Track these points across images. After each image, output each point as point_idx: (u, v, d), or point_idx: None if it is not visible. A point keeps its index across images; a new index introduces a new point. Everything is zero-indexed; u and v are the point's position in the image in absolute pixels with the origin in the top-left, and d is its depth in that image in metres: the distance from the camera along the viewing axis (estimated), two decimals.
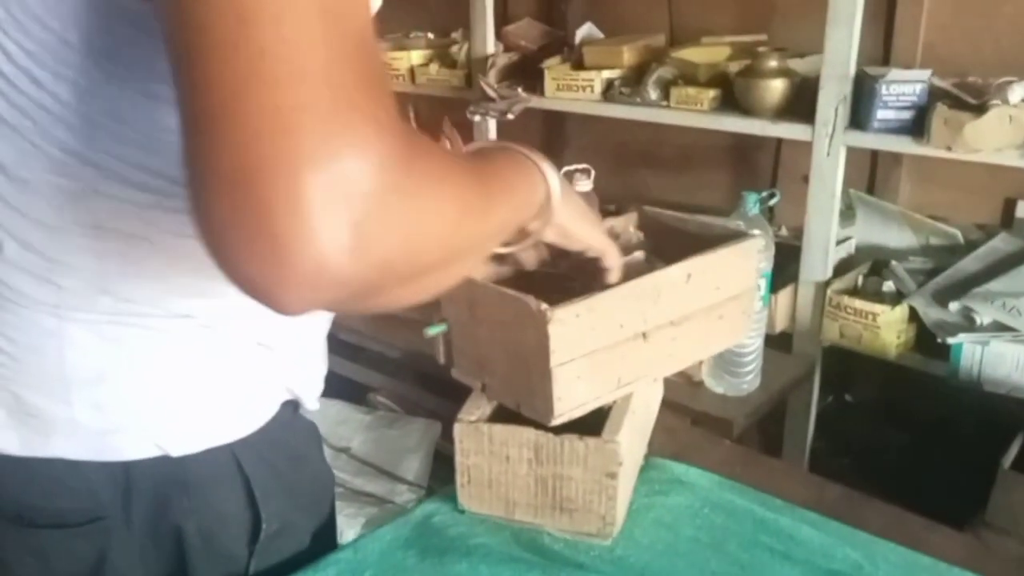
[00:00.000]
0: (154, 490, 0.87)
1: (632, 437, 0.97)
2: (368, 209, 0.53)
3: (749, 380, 1.82)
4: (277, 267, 0.52)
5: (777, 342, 1.93)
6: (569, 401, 0.91)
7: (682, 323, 0.98)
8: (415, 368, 2.56)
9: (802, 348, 1.95)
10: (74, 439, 0.84)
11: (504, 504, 0.99)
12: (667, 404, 1.18)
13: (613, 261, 0.93)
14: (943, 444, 1.98)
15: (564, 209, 0.86)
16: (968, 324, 1.67)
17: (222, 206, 0.52)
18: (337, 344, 1.01)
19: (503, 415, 0.98)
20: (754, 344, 1.79)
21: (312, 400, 0.98)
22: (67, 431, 0.84)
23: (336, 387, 2.12)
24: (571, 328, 0.88)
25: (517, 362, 0.92)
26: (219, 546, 0.92)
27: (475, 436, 0.97)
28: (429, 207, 0.59)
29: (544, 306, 0.86)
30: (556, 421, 0.92)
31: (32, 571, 0.91)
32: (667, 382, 1.12)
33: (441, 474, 0.92)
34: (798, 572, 0.91)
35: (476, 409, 0.98)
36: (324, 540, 1.02)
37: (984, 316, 1.66)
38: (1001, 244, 1.89)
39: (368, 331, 2.36)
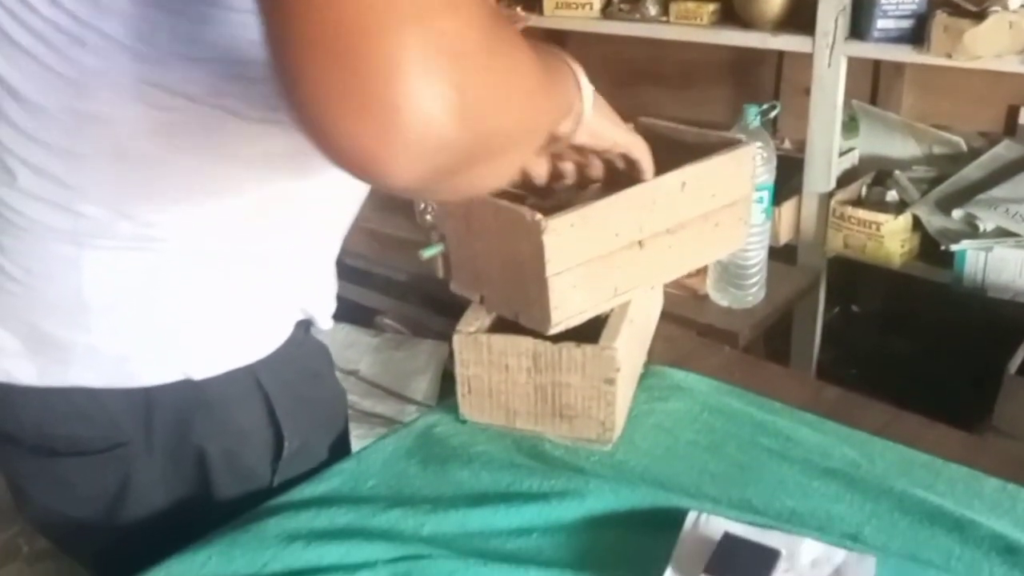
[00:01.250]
0: (175, 414, 0.88)
1: (630, 344, 0.97)
2: (468, 68, 0.51)
3: (754, 292, 1.81)
4: (385, 130, 0.49)
5: (781, 254, 1.92)
6: (566, 310, 0.91)
7: (678, 231, 0.97)
8: (421, 291, 2.57)
9: (806, 260, 1.94)
10: (93, 367, 0.84)
11: (504, 413, 0.99)
12: (672, 317, 1.18)
13: (642, 154, 0.92)
14: (949, 352, 1.98)
15: (595, 111, 0.84)
16: (971, 231, 1.66)
17: (321, 74, 0.49)
18: (344, 269, 1.02)
19: (502, 326, 0.98)
20: (758, 256, 1.78)
21: (325, 319, 0.99)
22: (86, 359, 0.84)
23: (344, 311, 2.13)
24: (566, 238, 0.87)
25: (514, 273, 0.92)
26: (242, 465, 0.93)
27: (474, 347, 0.97)
28: (516, 72, 0.58)
29: (538, 216, 0.85)
30: (554, 330, 0.91)
31: (55, 499, 0.93)
32: (671, 296, 1.11)
33: (449, 394, 0.94)
34: (796, 471, 0.92)
35: (475, 321, 0.98)
36: (339, 455, 1.03)
37: (987, 223, 1.64)
38: (1004, 151, 1.86)
39: (374, 256, 2.37)
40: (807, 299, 1.98)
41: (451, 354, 1.00)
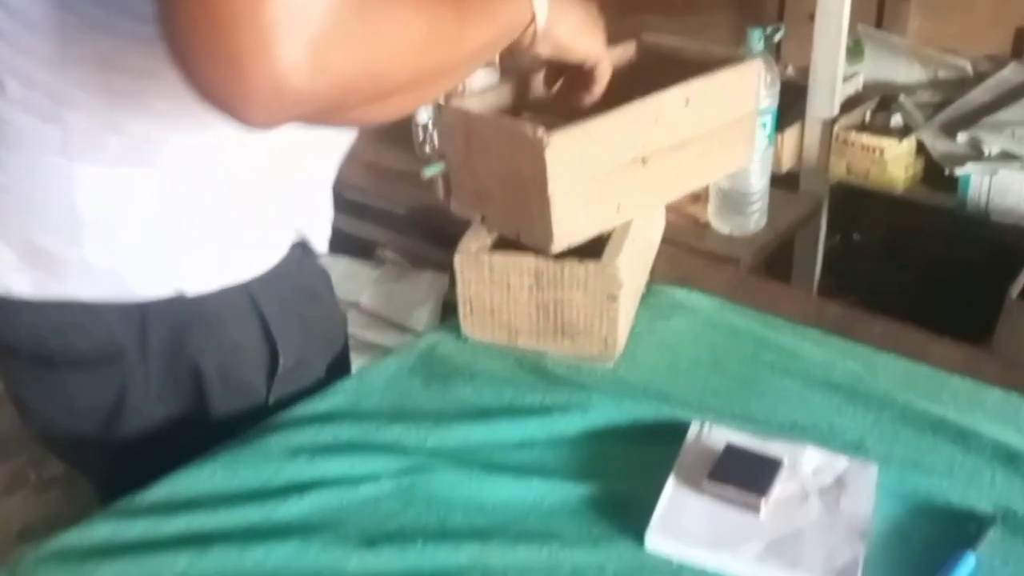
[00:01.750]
0: (170, 328, 0.88)
1: (632, 262, 0.97)
2: (325, 28, 0.54)
3: (755, 219, 1.80)
4: (236, 82, 0.54)
5: (783, 182, 1.90)
6: (568, 228, 0.91)
7: (682, 149, 0.96)
8: (421, 223, 2.56)
9: (809, 186, 1.93)
10: (87, 281, 0.84)
11: (506, 331, 1.00)
12: (673, 244, 1.17)
13: (603, 71, 0.92)
14: (950, 278, 1.97)
15: (560, 23, 0.83)
16: (976, 154, 1.64)
17: (185, 20, 0.54)
18: (343, 202, 1.01)
19: (503, 246, 0.97)
20: (760, 183, 1.76)
21: (321, 243, 0.98)
22: (80, 273, 0.84)
23: (343, 244, 2.12)
24: (568, 154, 0.86)
25: (515, 191, 0.91)
26: (237, 381, 0.94)
27: (476, 266, 0.97)
28: (393, 29, 0.60)
29: (541, 131, 0.84)
30: (556, 249, 0.91)
31: (55, 412, 0.93)
32: (672, 224, 1.11)
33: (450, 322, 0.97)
34: (798, 385, 0.92)
35: (476, 240, 0.98)
36: (338, 376, 1.04)
37: (992, 146, 1.63)
38: (1011, 74, 1.83)
39: (373, 188, 2.35)
40: (808, 227, 1.97)
41: (451, 284, 1.00)
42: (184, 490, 0.85)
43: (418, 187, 2.09)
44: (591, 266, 0.92)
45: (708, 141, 0.99)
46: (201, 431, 0.92)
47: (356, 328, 2.33)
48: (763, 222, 1.81)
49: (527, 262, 0.94)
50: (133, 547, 0.79)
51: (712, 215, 1.83)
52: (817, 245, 2.02)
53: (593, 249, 0.94)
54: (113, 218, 0.81)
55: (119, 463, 0.94)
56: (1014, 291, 1.64)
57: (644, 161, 0.93)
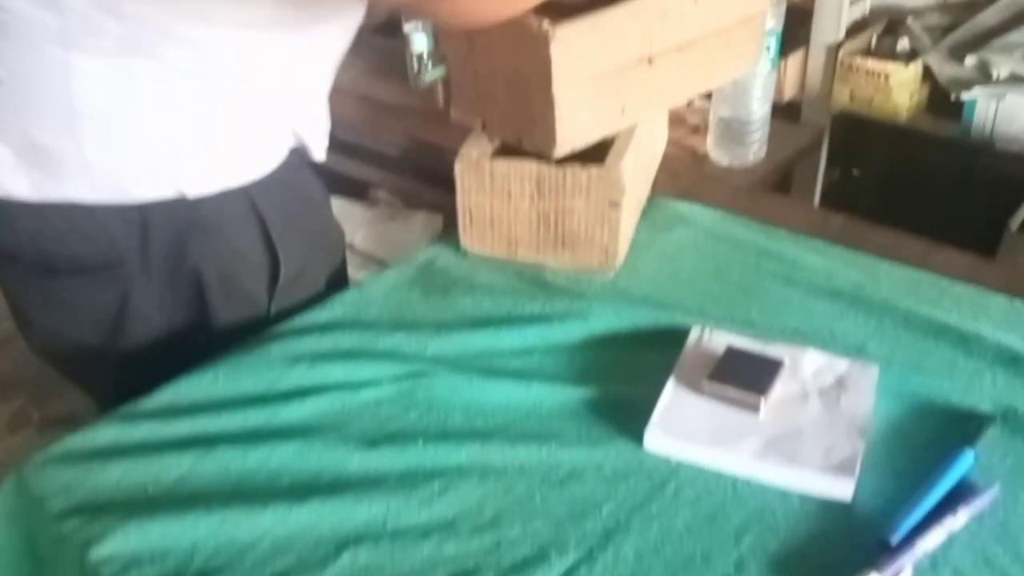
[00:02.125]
0: (171, 234, 0.88)
1: (635, 169, 0.97)
2: None
3: (755, 150, 1.79)
4: None
5: (785, 112, 1.89)
6: (571, 130, 0.90)
7: (689, 49, 0.95)
8: (415, 163, 2.55)
9: (810, 116, 1.91)
10: (87, 181, 0.84)
11: (506, 243, 1.00)
12: (672, 174, 1.17)
13: None
14: (950, 212, 1.97)
15: None
16: (984, 78, 1.63)
17: None
18: (335, 143, 1.01)
19: (505, 155, 0.97)
20: (762, 111, 1.75)
21: (319, 150, 0.98)
22: (79, 172, 0.83)
23: (336, 185, 2.11)
24: (574, 50, 0.85)
25: (518, 92, 0.90)
26: (238, 289, 0.94)
27: (476, 173, 0.96)
28: None
29: (546, 23, 0.83)
30: (559, 152, 0.91)
31: (57, 321, 0.93)
32: (671, 156, 1.11)
33: None
34: (800, 292, 0.93)
35: (476, 147, 0.97)
36: (338, 289, 1.04)
37: (1001, 68, 1.61)
38: None
39: (367, 122, 2.33)
40: (808, 160, 1.96)
41: (445, 226, 1.00)
42: (187, 395, 0.86)
43: (413, 121, 2.07)
44: (594, 171, 0.91)
45: (715, 42, 0.98)
46: (203, 342, 0.92)
47: (351, 269, 2.32)
48: (762, 153, 1.80)
49: (528, 168, 0.93)
50: (137, 449, 0.80)
51: (711, 146, 1.82)
52: (816, 179, 2.01)
53: (595, 158, 0.93)
54: (112, 112, 0.80)
55: (122, 375, 0.95)
56: (1014, 224, 1.64)
57: (650, 61, 0.92)
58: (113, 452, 0.80)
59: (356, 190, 2.67)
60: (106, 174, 0.83)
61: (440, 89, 2.00)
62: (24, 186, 0.84)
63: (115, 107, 0.80)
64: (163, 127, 0.83)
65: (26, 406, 2.18)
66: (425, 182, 2.53)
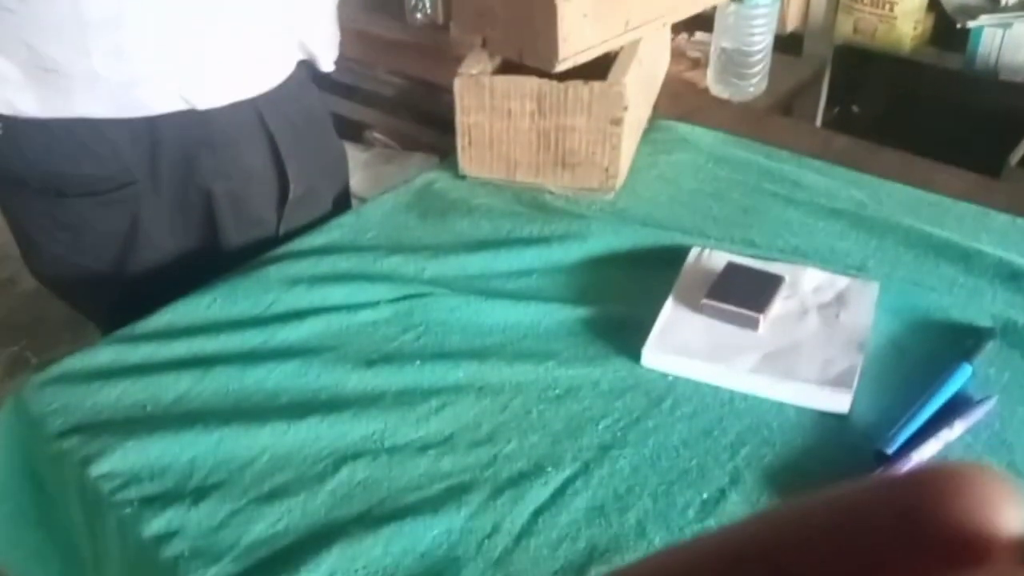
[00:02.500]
0: (181, 150, 0.87)
1: (638, 88, 0.96)
2: None
3: (755, 83, 1.77)
4: None
5: (786, 44, 1.87)
6: (574, 43, 0.89)
7: None
8: (411, 104, 2.53)
9: (812, 49, 1.89)
10: (95, 94, 0.83)
11: (505, 165, 0.99)
12: (674, 97, 1.16)
13: None
14: (951, 145, 1.96)
15: None
16: (991, 6, 1.61)
17: None
18: (331, 84, 1.00)
19: (505, 71, 0.96)
20: (763, 42, 1.73)
21: (327, 61, 0.98)
22: (87, 86, 0.82)
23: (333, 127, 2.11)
24: None
25: (519, 5, 0.89)
26: (248, 209, 0.94)
27: (476, 91, 0.95)
28: None
29: None
30: (561, 66, 0.89)
31: (66, 247, 0.93)
32: (669, 89, 1.09)
33: None
34: (801, 212, 0.92)
35: (476, 64, 0.96)
36: (343, 208, 1.04)
37: None
38: None
39: (363, 58, 2.31)
40: (808, 93, 1.94)
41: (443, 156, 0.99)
42: (184, 318, 0.86)
43: (410, 59, 2.05)
44: (596, 86, 0.90)
45: None
46: (212, 265, 0.92)
47: None
48: (763, 86, 1.78)
49: (529, 84, 0.92)
50: (135, 370, 0.80)
51: (711, 80, 1.80)
52: (816, 115, 1.99)
53: (596, 76, 0.92)
54: (120, 21, 0.79)
55: (128, 301, 0.94)
56: (1013, 159, 1.62)
57: None
58: (111, 373, 0.80)
59: (351, 132, 2.65)
60: (114, 86, 0.82)
61: (440, 6, 1.97)
62: (32, 104, 0.83)
63: (123, 14, 0.79)
64: (172, 35, 0.82)
65: (24, 350, 2.18)
66: (422, 123, 2.51)
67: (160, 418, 0.76)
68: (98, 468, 0.71)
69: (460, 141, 0.99)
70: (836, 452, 0.69)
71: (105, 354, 0.82)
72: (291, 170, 0.93)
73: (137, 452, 0.72)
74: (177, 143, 0.86)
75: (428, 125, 2.48)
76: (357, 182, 2.57)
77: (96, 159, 0.86)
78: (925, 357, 0.76)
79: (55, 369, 0.81)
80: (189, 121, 0.85)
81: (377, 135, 2.79)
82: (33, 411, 0.77)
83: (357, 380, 0.79)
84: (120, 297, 0.95)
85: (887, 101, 2.10)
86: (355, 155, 2.66)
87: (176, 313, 0.86)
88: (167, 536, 0.67)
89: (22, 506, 0.82)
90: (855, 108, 2.18)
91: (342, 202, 1.04)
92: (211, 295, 0.88)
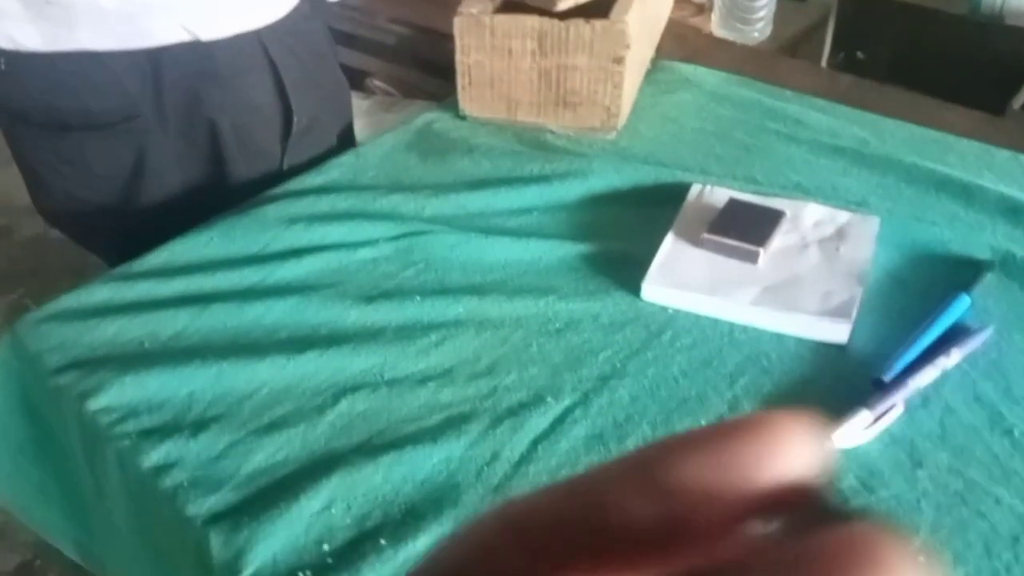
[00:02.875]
0: (185, 84, 0.87)
1: (640, 27, 0.95)
2: None
3: (760, 28, 1.76)
4: None
5: None
6: None
7: None
8: (412, 52, 2.51)
9: None
10: (98, 26, 0.83)
11: (506, 104, 0.99)
12: (678, 38, 1.15)
13: None
14: (956, 92, 1.95)
15: None
16: None
17: None
18: (331, 32, 0.99)
19: (505, 10, 0.95)
20: None
21: None
22: (90, 17, 0.82)
23: None
24: None
25: None
26: (253, 142, 0.94)
27: (476, 30, 0.95)
28: None
29: None
30: (562, 5, 0.89)
31: (72, 182, 0.93)
32: (673, 32, 1.08)
33: None
34: (803, 150, 0.92)
35: (477, 3, 0.95)
36: (348, 144, 1.04)
37: None
38: None
39: (362, 16, 2.29)
40: (814, 39, 1.93)
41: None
42: (181, 256, 0.86)
43: (410, 4, 2.03)
44: (598, 24, 0.90)
45: None
46: (218, 200, 0.92)
47: None
48: (768, 31, 1.77)
49: (530, 23, 0.92)
50: (132, 307, 0.81)
51: (715, 24, 1.79)
52: (820, 61, 1.98)
53: (598, 15, 0.91)
54: None
55: (135, 236, 0.95)
56: (1016, 103, 1.61)
57: None
58: (108, 310, 0.80)
59: (352, 80, 2.63)
60: (117, 18, 0.82)
61: None
62: (35, 37, 0.83)
63: None
64: None
65: (24, 298, 2.19)
66: (423, 71, 2.49)
67: (158, 354, 0.76)
68: (96, 403, 0.72)
69: (460, 81, 0.99)
70: (834, 381, 0.70)
71: (102, 292, 0.83)
72: (295, 102, 0.93)
73: (135, 387, 0.73)
74: (181, 76, 0.86)
75: (429, 73, 2.46)
76: (358, 130, 2.56)
77: (99, 92, 0.86)
78: (924, 289, 0.77)
79: (51, 307, 0.82)
80: (193, 53, 0.85)
81: (378, 83, 2.77)
82: (30, 348, 0.78)
83: (357, 315, 0.79)
84: (127, 232, 0.96)
85: (892, 47, 2.09)
86: (356, 103, 2.63)
87: (173, 252, 0.87)
88: (166, 467, 0.68)
89: (22, 444, 0.83)
90: (860, 54, 2.16)
91: (346, 138, 1.04)
92: (208, 234, 0.88)
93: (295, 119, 0.94)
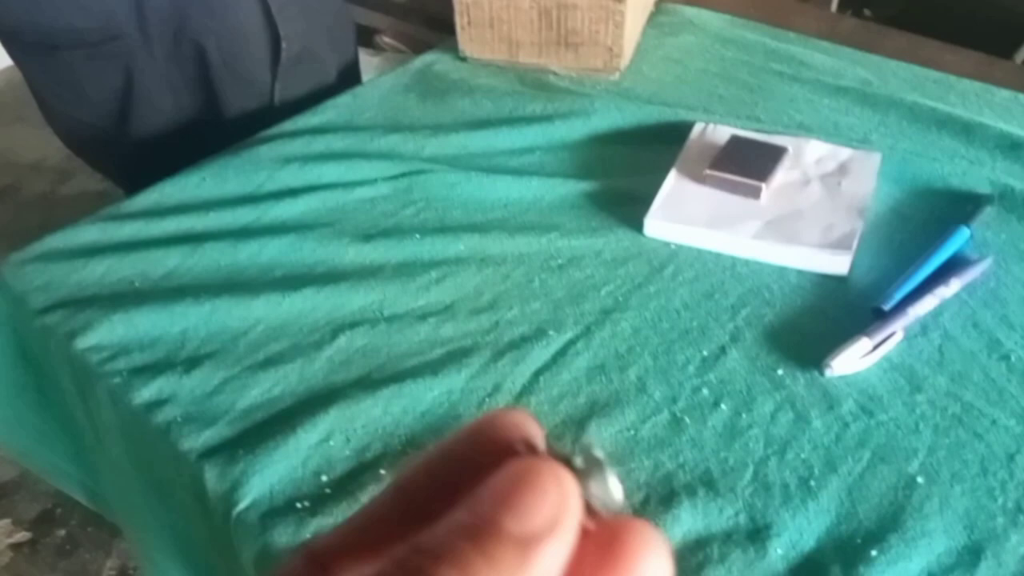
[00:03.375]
0: (169, 4, 0.87)
1: None
2: None
3: None
4: None
5: None
6: None
7: None
8: (421, 10, 2.50)
9: None
10: None
11: (507, 45, 0.98)
12: None
13: None
14: (963, 43, 1.95)
15: None
16: None
17: None
18: None
19: None
20: None
21: None
22: None
23: None
24: None
25: None
26: (242, 67, 0.93)
27: None
28: None
29: None
30: None
31: (68, 101, 0.94)
32: None
33: None
34: (806, 90, 0.92)
35: None
36: (349, 83, 1.03)
37: None
38: None
39: None
40: None
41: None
42: (172, 197, 0.86)
43: None
44: None
45: None
46: (213, 133, 0.92)
47: None
48: None
49: None
50: (122, 247, 0.80)
51: None
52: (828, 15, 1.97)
53: None
54: None
55: (134, 160, 0.95)
56: (1018, 57, 1.61)
57: None
58: (96, 250, 0.80)
59: (362, 37, 2.62)
60: None
61: None
62: None
63: None
64: None
65: None
66: (432, 28, 2.48)
67: (148, 293, 0.76)
68: (84, 341, 0.72)
69: (459, 21, 0.98)
70: (835, 311, 0.70)
71: (89, 232, 0.82)
72: (282, 27, 0.92)
73: (125, 325, 0.73)
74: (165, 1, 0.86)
75: (439, 29, 2.45)
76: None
77: (82, 10, 0.85)
78: (925, 222, 0.77)
79: (35, 247, 0.81)
80: None
81: (387, 40, 2.76)
82: (15, 288, 0.77)
83: (355, 253, 0.79)
84: (127, 158, 0.96)
85: (900, 2, 2.08)
86: (365, 60, 2.63)
87: (163, 192, 0.86)
88: (158, 403, 0.68)
89: (20, 389, 0.83)
90: (867, 11, 2.15)
91: (348, 75, 1.03)
92: (199, 174, 0.88)
93: (283, 45, 0.93)
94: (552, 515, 0.17)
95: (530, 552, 0.17)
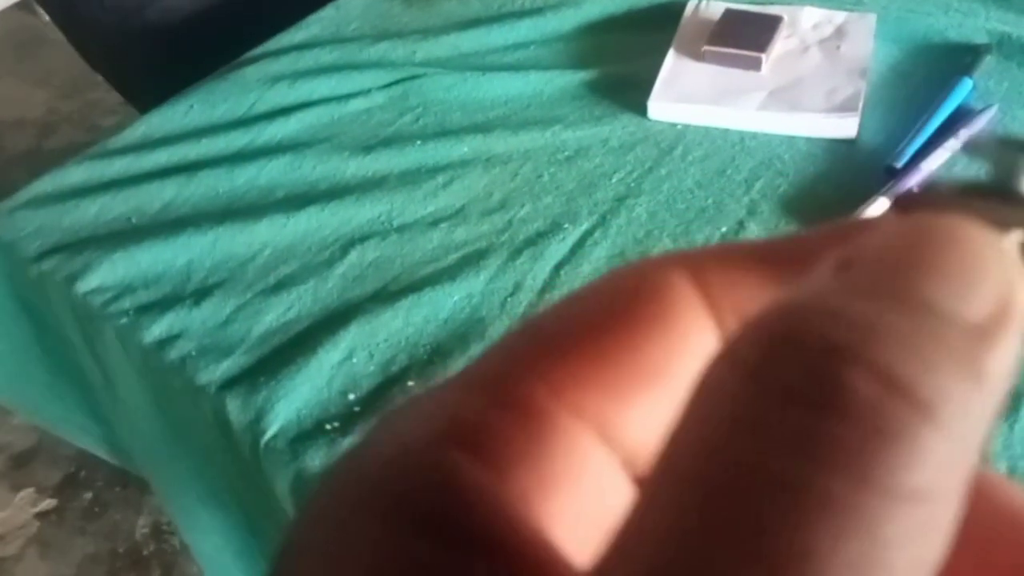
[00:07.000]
0: None
1: None
2: None
3: None
4: None
5: None
6: None
7: None
8: None
9: None
10: None
11: None
12: None
13: None
14: None
15: None
16: None
17: None
18: None
19: None
20: None
21: None
22: None
23: None
24: None
25: None
26: None
27: None
28: None
29: None
30: None
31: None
32: None
33: None
34: None
35: None
36: None
37: None
38: None
39: None
40: None
41: None
42: (160, 128, 0.82)
43: None
44: None
45: None
46: (235, 23, 0.92)
47: None
48: None
49: None
50: (113, 184, 0.78)
51: None
52: None
53: None
54: None
55: (159, 63, 0.94)
56: None
57: None
58: (86, 190, 0.77)
59: None
60: None
61: None
62: None
63: None
64: None
65: None
66: None
67: (147, 228, 0.73)
68: (85, 284, 0.70)
69: None
70: (848, 174, 0.69)
71: (77, 173, 0.79)
72: None
73: (126, 263, 0.71)
74: None
75: None
76: None
77: None
78: (926, 77, 0.75)
79: (23, 194, 0.77)
80: None
81: None
82: (5, 238, 0.75)
83: (356, 167, 0.77)
84: (149, 56, 0.95)
85: None
86: None
87: (150, 125, 0.83)
88: (170, 339, 0.66)
89: (23, 343, 0.81)
90: None
91: None
92: (186, 102, 0.84)
93: None
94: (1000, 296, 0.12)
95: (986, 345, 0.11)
